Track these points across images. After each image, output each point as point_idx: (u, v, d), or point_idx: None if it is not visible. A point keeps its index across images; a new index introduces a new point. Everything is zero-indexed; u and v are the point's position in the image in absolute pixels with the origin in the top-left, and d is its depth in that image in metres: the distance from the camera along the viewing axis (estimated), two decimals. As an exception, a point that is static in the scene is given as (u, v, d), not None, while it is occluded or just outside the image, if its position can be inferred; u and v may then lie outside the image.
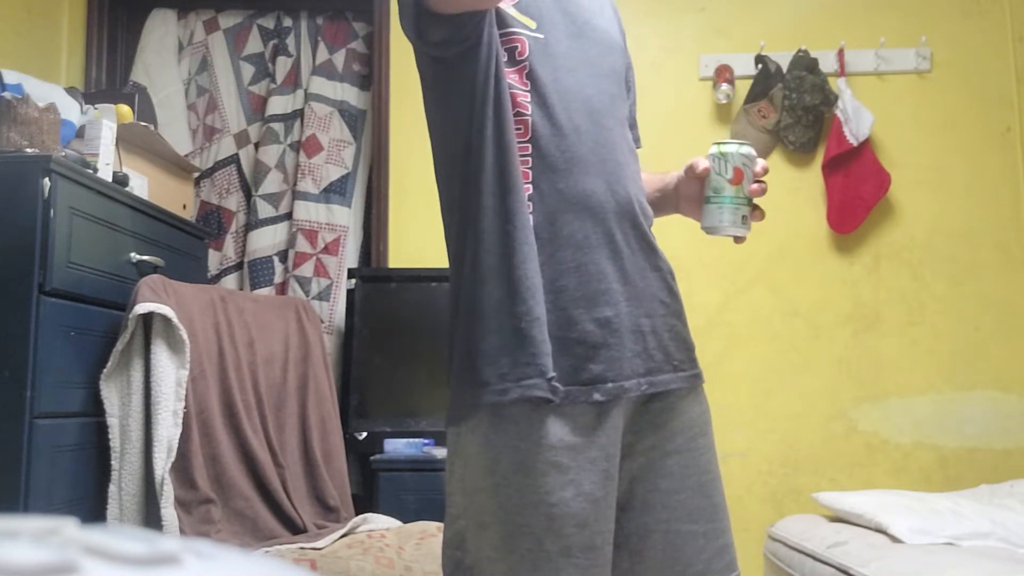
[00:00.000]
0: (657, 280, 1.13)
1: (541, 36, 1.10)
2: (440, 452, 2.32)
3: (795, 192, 2.83)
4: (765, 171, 1.13)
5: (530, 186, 1.06)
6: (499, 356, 1.02)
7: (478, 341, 1.04)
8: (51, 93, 1.94)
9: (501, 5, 1.09)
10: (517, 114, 1.07)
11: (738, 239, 1.14)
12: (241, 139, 2.99)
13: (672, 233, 2.80)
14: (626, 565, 1.08)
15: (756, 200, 1.13)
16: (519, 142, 1.07)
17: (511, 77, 1.08)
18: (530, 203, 1.06)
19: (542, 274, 1.04)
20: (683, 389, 1.13)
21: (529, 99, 1.08)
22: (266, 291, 2.83)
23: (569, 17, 1.15)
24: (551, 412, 1.01)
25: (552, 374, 1.01)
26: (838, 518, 2.17)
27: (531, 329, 1.01)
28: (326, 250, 2.88)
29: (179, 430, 1.78)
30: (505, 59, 1.08)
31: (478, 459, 1.02)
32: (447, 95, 1.10)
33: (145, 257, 1.96)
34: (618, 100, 1.17)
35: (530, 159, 1.07)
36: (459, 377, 1.05)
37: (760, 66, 2.81)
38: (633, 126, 1.27)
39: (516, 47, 1.09)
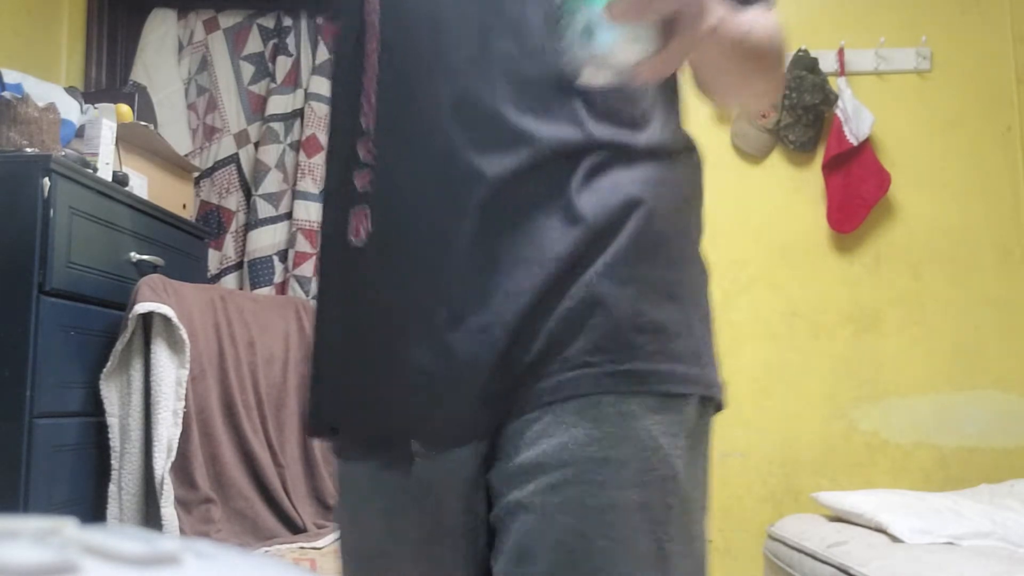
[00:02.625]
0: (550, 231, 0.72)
1: None
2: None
3: (795, 192, 2.83)
4: None
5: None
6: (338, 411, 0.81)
7: (314, 385, 0.84)
8: (51, 93, 1.94)
9: None
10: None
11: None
12: (241, 139, 2.99)
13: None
14: None
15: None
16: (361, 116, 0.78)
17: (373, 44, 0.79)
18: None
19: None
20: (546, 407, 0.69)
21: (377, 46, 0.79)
22: (266, 291, 2.82)
23: None
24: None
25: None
26: (838, 518, 2.17)
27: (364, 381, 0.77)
28: (326, 250, 2.87)
29: (179, 430, 1.78)
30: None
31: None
32: None
33: (145, 257, 1.96)
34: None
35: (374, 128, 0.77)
36: None
37: (760, 66, 2.81)
38: None
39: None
